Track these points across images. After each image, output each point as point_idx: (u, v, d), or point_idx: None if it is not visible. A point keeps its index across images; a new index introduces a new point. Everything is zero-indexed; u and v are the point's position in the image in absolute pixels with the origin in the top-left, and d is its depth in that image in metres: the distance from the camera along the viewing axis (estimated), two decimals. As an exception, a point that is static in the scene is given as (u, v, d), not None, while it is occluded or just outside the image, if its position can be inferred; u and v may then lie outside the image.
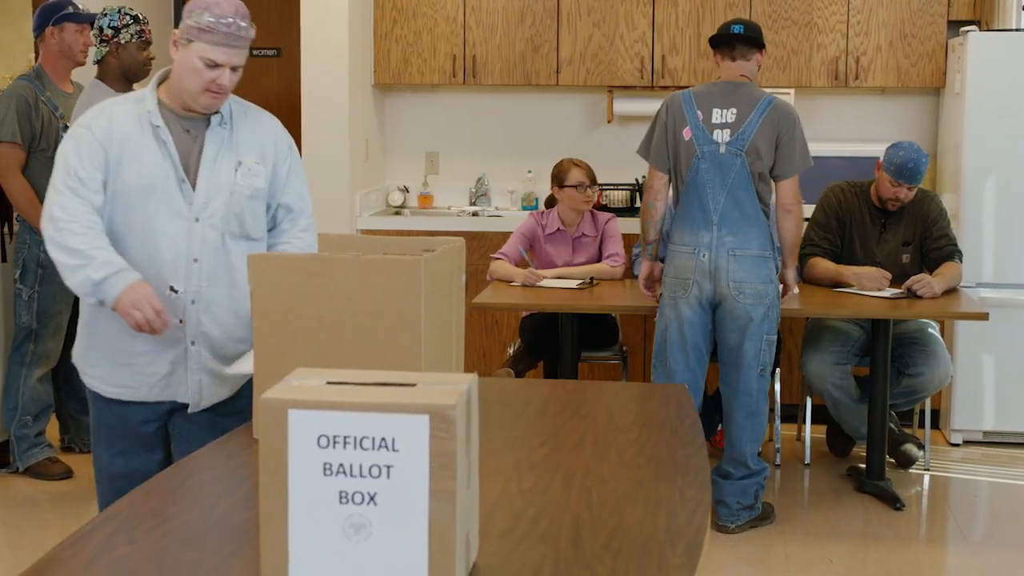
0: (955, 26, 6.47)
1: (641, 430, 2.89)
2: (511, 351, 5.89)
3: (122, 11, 5.11)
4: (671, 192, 4.95)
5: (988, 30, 6.20)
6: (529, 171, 7.12)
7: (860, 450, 5.79)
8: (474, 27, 6.78)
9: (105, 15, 5.12)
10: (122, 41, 5.09)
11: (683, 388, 3.36)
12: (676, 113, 4.81)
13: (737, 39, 4.82)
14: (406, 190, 7.22)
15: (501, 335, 6.61)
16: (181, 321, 3.20)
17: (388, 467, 1.78)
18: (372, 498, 1.78)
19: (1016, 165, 6.05)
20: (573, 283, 5.41)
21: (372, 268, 2.67)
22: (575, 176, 5.66)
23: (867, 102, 6.94)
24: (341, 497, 1.79)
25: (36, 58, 5.49)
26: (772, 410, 5.89)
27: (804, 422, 5.90)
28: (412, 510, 1.79)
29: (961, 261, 5.41)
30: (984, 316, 4.94)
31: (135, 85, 5.27)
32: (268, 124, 3.34)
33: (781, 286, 4.88)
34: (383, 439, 1.78)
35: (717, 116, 4.75)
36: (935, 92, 6.80)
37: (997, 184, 6.06)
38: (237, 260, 3.19)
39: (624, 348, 6.03)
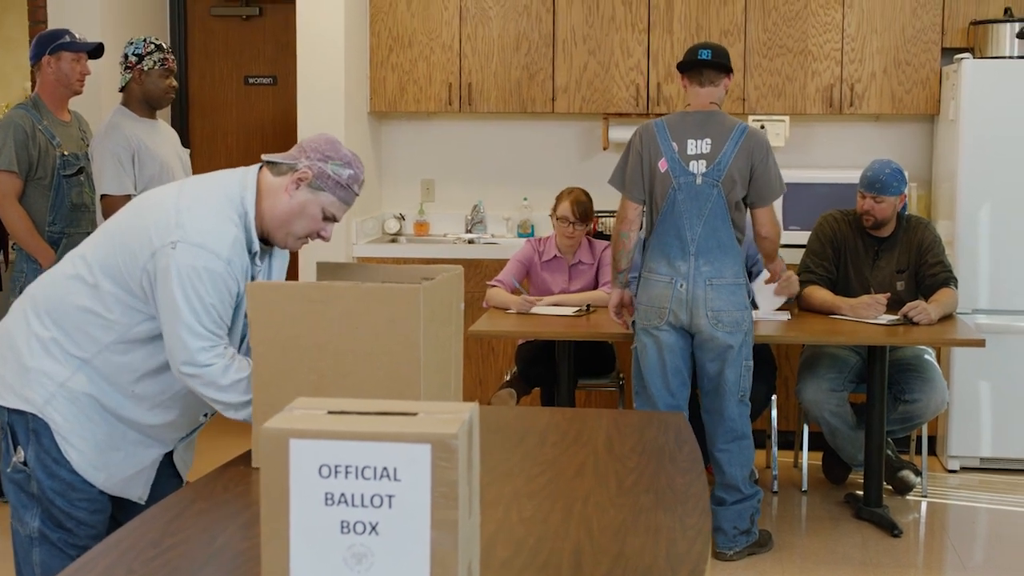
0: (949, 54, 6.51)
1: (640, 458, 2.89)
2: (507, 378, 5.88)
3: (147, 40, 5.23)
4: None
5: (982, 58, 6.23)
6: (525, 198, 7.14)
7: (857, 477, 5.79)
8: (470, 55, 6.81)
9: (131, 43, 5.23)
10: (145, 68, 5.17)
11: (681, 416, 3.36)
12: (651, 144, 4.77)
13: (705, 65, 4.79)
14: (402, 218, 7.23)
15: (497, 363, 6.61)
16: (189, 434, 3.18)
17: (390, 497, 1.77)
18: (374, 528, 1.78)
19: (1011, 192, 6.07)
20: (570, 310, 5.41)
21: (372, 296, 2.67)
22: (562, 209, 5.67)
23: (861, 129, 6.97)
24: (343, 527, 1.78)
25: (33, 87, 5.51)
26: (769, 437, 5.91)
27: (801, 449, 5.89)
28: (414, 540, 1.78)
29: (956, 287, 5.42)
30: (980, 343, 4.94)
31: (158, 113, 5.36)
32: (286, 260, 3.24)
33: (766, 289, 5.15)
34: (385, 468, 1.77)
35: (692, 147, 4.73)
36: (929, 119, 6.83)
37: (992, 211, 6.08)
38: None
39: (621, 375, 6.03)
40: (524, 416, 3.55)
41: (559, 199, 5.73)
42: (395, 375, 2.68)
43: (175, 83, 5.29)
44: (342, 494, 1.78)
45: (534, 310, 5.41)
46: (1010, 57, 6.18)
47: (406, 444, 1.77)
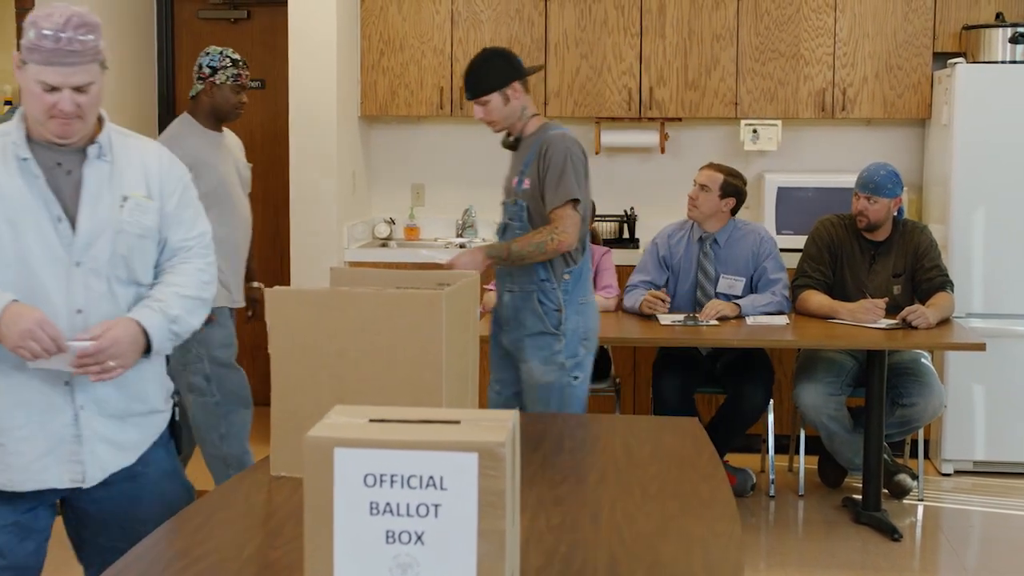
0: (940, 58, 6.53)
1: (660, 464, 2.88)
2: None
3: (223, 53, 5.11)
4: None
5: (974, 62, 6.24)
6: (516, 203, 7.11)
7: (852, 480, 5.79)
8: (461, 59, 6.78)
9: (207, 54, 5.12)
10: (217, 81, 5.06)
11: (694, 421, 3.35)
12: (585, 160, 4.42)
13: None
14: (392, 222, 7.20)
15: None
16: (67, 383, 2.77)
17: (436, 506, 1.75)
18: (419, 537, 1.76)
19: (1004, 195, 6.09)
20: (567, 315, 5.38)
21: (393, 303, 2.65)
22: None
23: (853, 133, 6.98)
24: (388, 537, 1.76)
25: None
26: (764, 441, 5.91)
27: (797, 453, 5.89)
28: (460, 550, 1.76)
29: (953, 291, 5.43)
30: (981, 346, 4.95)
31: (224, 127, 5.22)
32: (154, 153, 2.96)
33: None
34: (431, 477, 1.75)
35: None
36: (920, 123, 6.84)
37: (986, 215, 6.09)
38: (128, 309, 2.82)
39: (617, 379, 6.01)
40: (535, 422, 3.52)
41: None
42: (416, 382, 2.65)
43: (245, 99, 5.18)
44: (387, 503, 1.76)
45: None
46: (1002, 62, 6.19)
47: (453, 453, 1.75)
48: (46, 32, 2.63)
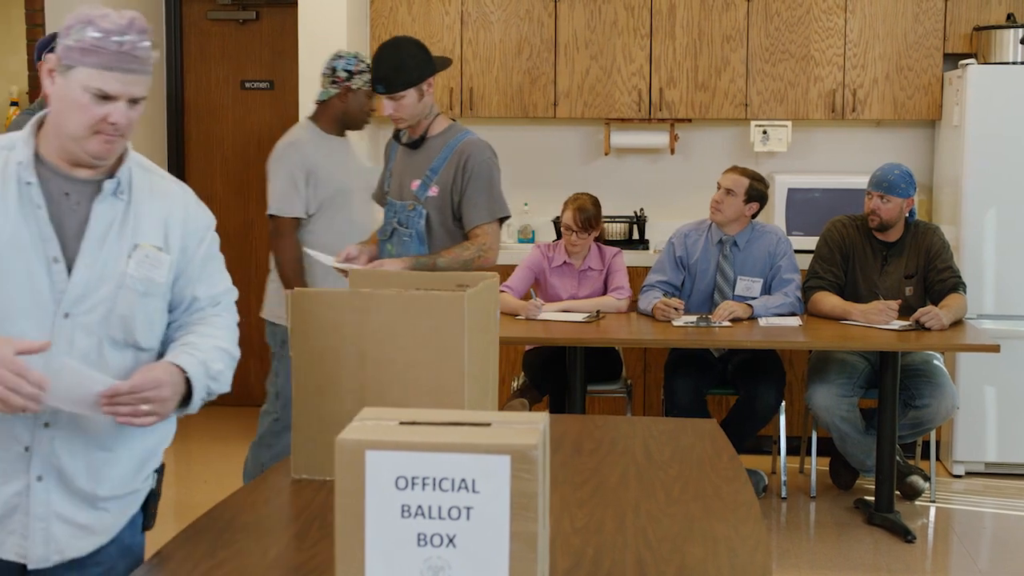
0: (951, 59, 6.52)
1: (681, 466, 2.87)
2: (515, 385, 5.85)
3: (357, 57, 4.97)
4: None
5: (985, 63, 6.24)
6: (526, 204, 7.10)
7: (864, 482, 5.78)
8: (471, 60, 6.78)
9: (341, 57, 4.96)
10: (353, 87, 4.91)
11: (713, 423, 3.34)
12: None
13: None
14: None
15: (500, 369, 6.57)
16: (27, 449, 2.33)
17: (468, 508, 1.75)
18: (451, 540, 1.75)
19: (1016, 197, 6.08)
20: (580, 316, 5.39)
21: (416, 304, 2.64)
22: (566, 217, 5.64)
23: (863, 134, 6.97)
24: (419, 539, 1.75)
25: (31, 91, 5.45)
26: (776, 443, 5.90)
27: (809, 454, 5.88)
28: (492, 552, 1.75)
29: (965, 292, 5.43)
30: (995, 348, 4.95)
31: (349, 134, 5.07)
32: (178, 196, 2.52)
33: None
34: (463, 480, 1.74)
35: None
36: (930, 124, 6.84)
37: (998, 216, 6.09)
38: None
39: (628, 381, 6.01)
40: (553, 424, 3.51)
41: (565, 206, 5.70)
42: (438, 384, 2.64)
43: (376, 106, 4.94)
44: (419, 506, 1.75)
45: (543, 316, 5.38)
46: (1013, 63, 6.19)
47: (486, 455, 1.74)
48: (101, 33, 2.27)
